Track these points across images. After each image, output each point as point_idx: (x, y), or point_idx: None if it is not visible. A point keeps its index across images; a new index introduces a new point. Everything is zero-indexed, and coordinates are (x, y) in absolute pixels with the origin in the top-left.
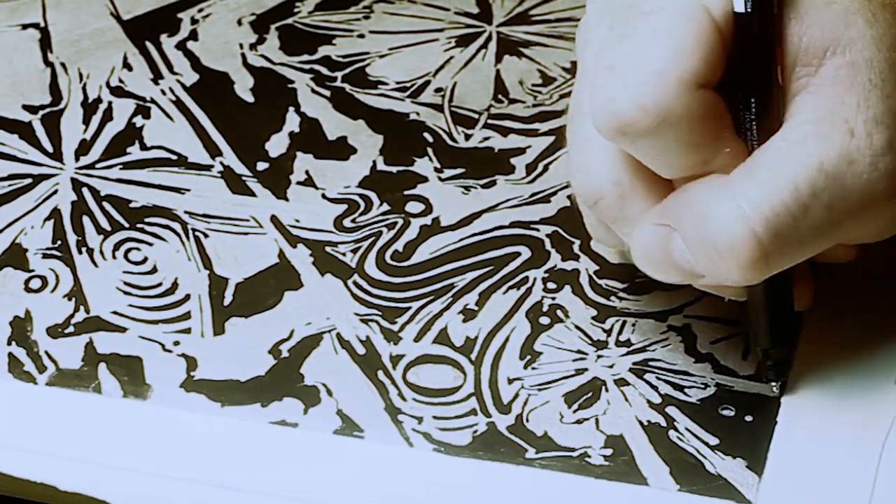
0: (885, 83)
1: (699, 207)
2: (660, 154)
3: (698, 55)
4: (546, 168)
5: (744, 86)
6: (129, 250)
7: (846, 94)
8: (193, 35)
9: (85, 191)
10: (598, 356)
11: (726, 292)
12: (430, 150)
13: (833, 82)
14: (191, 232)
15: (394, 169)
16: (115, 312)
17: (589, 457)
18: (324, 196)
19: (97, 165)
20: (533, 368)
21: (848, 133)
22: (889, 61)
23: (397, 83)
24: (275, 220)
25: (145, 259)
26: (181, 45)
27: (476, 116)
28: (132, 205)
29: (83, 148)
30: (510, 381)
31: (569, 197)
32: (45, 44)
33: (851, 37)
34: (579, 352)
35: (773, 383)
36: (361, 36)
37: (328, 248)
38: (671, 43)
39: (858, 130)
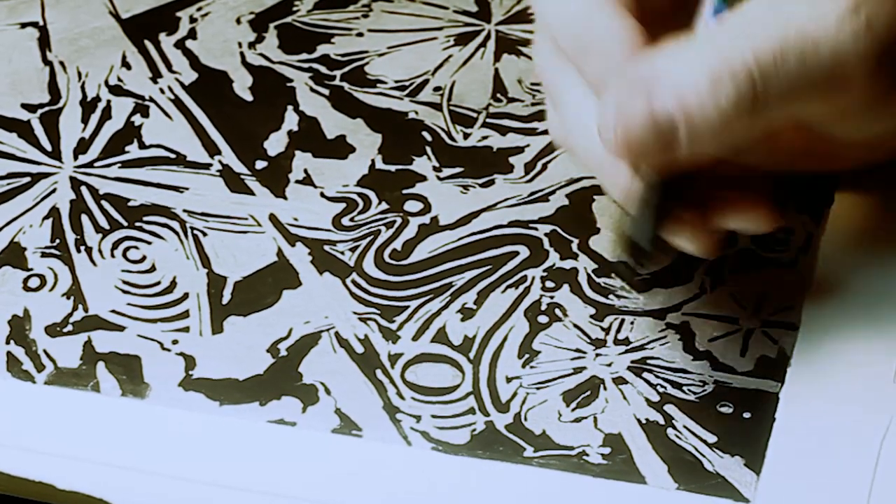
0: None
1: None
2: None
3: None
4: (545, 167)
5: None
6: (127, 249)
7: None
8: (192, 34)
9: (83, 189)
10: (597, 355)
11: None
12: (428, 149)
13: None
14: (189, 230)
15: (392, 168)
16: (113, 311)
17: (587, 455)
18: (322, 195)
19: (96, 164)
20: (531, 367)
21: None
22: None
23: (396, 82)
24: (273, 218)
25: (144, 258)
26: (180, 44)
27: (475, 115)
28: (131, 203)
29: (82, 146)
30: (508, 380)
31: (568, 196)
32: (44, 42)
33: None
34: (578, 350)
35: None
36: (360, 34)
37: (327, 247)
38: None
39: None
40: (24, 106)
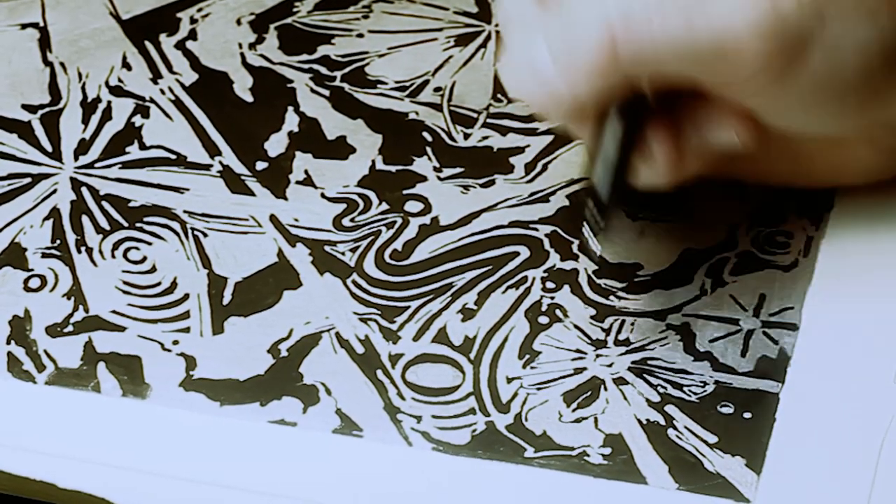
0: None
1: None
2: None
3: None
4: (545, 167)
5: None
6: (128, 249)
7: None
8: (192, 35)
9: (84, 190)
10: (597, 355)
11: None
12: (429, 150)
13: None
14: (190, 231)
15: (393, 168)
16: (114, 312)
17: (588, 456)
18: (323, 195)
19: (96, 165)
20: (532, 368)
21: None
22: None
23: (396, 82)
24: (274, 219)
25: (144, 258)
26: (180, 45)
27: (475, 116)
28: (131, 204)
29: (82, 147)
30: (509, 381)
31: (568, 196)
32: (45, 43)
33: None
34: (578, 351)
35: (592, 237)
36: (360, 35)
37: (327, 248)
38: None
39: None
40: (24, 107)
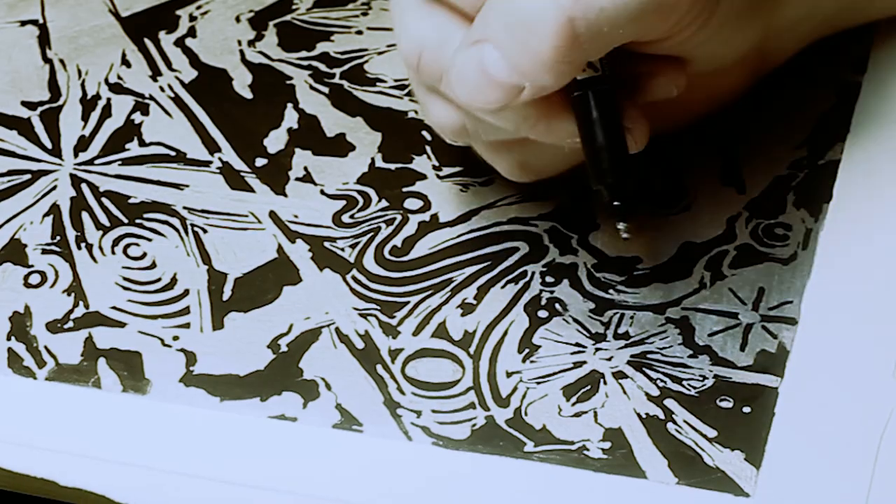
0: None
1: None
2: None
3: None
4: None
5: None
6: (128, 246)
7: None
8: (192, 32)
9: (84, 187)
10: (597, 349)
11: (559, 132)
12: (428, 148)
13: None
14: (189, 227)
15: (392, 166)
16: (114, 307)
17: (587, 450)
18: (322, 192)
19: (96, 161)
20: (531, 362)
21: None
22: None
23: (395, 80)
24: (273, 215)
25: (144, 254)
26: (180, 42)
27: None
28: (131, 200)
29: (82, 144)
30: (509, 375)
31: (567, 193)
32: (44, 40)
33: None
34: (577, 345)
35: (621, 224)
36: (360, 32)
37: (327, 244)
38: None
39: None
40: (24, 103)
